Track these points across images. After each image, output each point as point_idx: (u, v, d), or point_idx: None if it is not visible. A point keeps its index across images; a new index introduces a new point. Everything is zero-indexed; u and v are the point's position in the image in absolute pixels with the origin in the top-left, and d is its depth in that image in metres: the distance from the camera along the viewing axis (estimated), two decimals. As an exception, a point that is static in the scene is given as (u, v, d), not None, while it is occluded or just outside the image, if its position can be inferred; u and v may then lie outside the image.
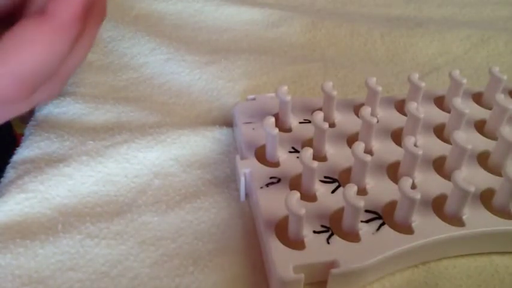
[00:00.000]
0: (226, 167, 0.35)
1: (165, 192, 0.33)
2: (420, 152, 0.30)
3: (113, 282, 0.28)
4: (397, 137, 0.34)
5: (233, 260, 0.29)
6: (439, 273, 0.29)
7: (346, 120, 0.35)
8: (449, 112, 0.35)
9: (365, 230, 0.28)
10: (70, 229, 0.30)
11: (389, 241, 0.28)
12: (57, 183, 0.32)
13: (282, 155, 0.32)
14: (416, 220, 0.29)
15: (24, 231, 0.29)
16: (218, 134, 0.36)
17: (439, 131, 0.35)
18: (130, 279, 0.28)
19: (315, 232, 0.28)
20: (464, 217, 0.29)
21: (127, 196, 0.32)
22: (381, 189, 0.31)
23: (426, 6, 0.54)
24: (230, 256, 0.29)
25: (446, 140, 0.34)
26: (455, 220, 0.29)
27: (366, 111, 0.32)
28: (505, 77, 0.36)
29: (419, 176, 0.31)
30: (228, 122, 0.38)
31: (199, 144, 0.36)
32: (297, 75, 0.43)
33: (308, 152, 0.29)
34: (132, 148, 0.34)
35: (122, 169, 0.33)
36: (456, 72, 0.36)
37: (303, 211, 0.26)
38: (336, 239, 0.28)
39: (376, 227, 0.28)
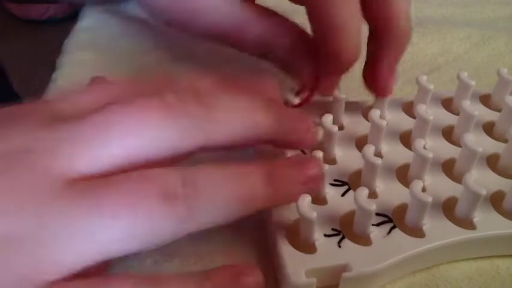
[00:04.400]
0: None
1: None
2: (430, 155, 0.29)
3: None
4: (405, 139, 0.34)
5: (238, 262, 0.29)
6: (440, 275, 0.29)
7: (354, 123, 0.35)
8: (457, 114, 0.35)
9: (376, 233, 0.28)
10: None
11: (401, 244, 0.27)
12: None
13: (291, 158, 0.32)
14: (427, 223, 0.29)
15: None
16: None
17: (448, 134, 0.35)
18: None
19: (326, 236, 0.28)
20: (475, 220, 0.29)
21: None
22: (390, 192, 0.30)
23: (426, 6, 0.54)
24: (235, 258, 0.29)
25: (454, 143, 0.34)
26: (466, 223, 0.29)
27: (375, 113, 0.32)
28: (513, 79, 0.36)
29: (428, 179, 0.31)
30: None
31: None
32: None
33: (318, 155, 0.29)
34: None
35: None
36: (464, 74, 0.36)
37: (314, 215, 0.26)
38: (347, 242, 0.27)
39: (387, 230, 0.28)
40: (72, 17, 0.51)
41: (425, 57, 0.46)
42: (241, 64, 0.44)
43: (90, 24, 0.47)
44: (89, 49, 0.44)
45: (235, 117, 0.26)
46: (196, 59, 0.44)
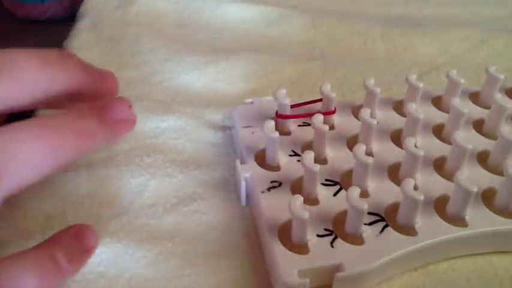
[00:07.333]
0: (224, 168, 0.34)
1: (162, 194, 0.32)
2: (422, 153, 0.29)
3: (110, 282, 0.27)
4: (396, 138, 0.34)
5: (232, 263, 0.29)
6: (438, 277, 0.29)
7: (345, 122, 0.35)
8: (447, 112, 0.35)
9: (368, 232, 0.28)
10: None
11: (394, 243, 0.27)
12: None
13: (283, 158, 0.32)
14: (419, 221, 0.29)
15: (21, 231, 0.29)
16: (216, 136, 0.36)
17: (438, 131, 0.35)
18: (126, 280, 0.28)
19: (318, 236, 0.28)
20: (466, 217, 0.29)
21: (124, 198, 0.32)
22: (382, 191, 0.30)
23: (426, 6, 0.54)
24: (229, 259, 0.29)
25: (445, 140, 0.34)
26: (458, 220, 0.29)
27: (366, 112, 0.32)
28: (501, 76, 0.36)
29: (420, 177, 0.31)
30: (226, 124, 0.37)
31: (196, 145, 0.35)
32: (296, 76, 0.43)
33: (310, 155, 0.29)
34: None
35: (118, 171, 0.33)
36: (453, 72, 0.36)
37: (306, 215, 0.26)
38: (339, 242, 0.27)
39: (380, 229, 0.28)
40: (72, 17, 0.51)
41: (425, 57, 0.46)
42: (245, 59, 0.43)
43: (89, 26, 0.47)
44: (87, 51, 0.44)
45: (29, 77, 0.25)
46: (193, 57, 0.44)
